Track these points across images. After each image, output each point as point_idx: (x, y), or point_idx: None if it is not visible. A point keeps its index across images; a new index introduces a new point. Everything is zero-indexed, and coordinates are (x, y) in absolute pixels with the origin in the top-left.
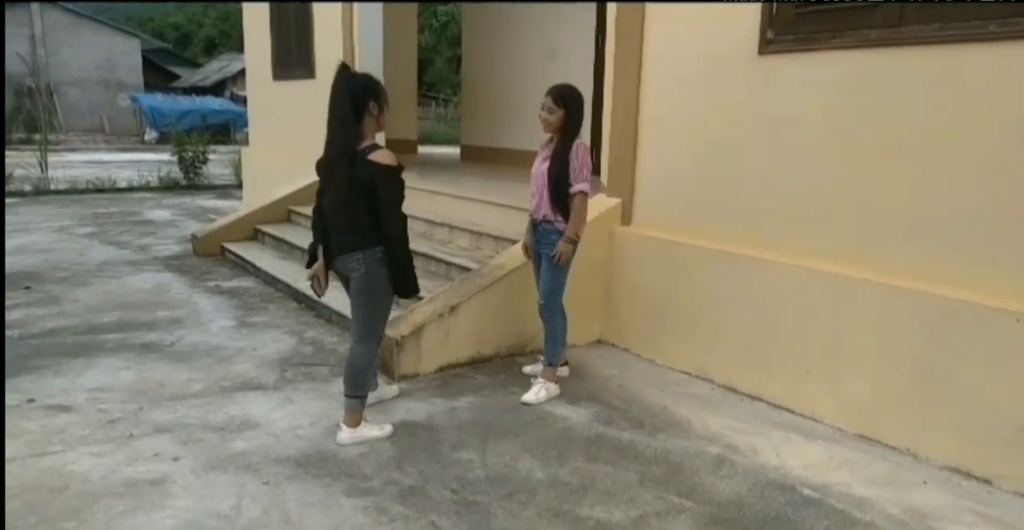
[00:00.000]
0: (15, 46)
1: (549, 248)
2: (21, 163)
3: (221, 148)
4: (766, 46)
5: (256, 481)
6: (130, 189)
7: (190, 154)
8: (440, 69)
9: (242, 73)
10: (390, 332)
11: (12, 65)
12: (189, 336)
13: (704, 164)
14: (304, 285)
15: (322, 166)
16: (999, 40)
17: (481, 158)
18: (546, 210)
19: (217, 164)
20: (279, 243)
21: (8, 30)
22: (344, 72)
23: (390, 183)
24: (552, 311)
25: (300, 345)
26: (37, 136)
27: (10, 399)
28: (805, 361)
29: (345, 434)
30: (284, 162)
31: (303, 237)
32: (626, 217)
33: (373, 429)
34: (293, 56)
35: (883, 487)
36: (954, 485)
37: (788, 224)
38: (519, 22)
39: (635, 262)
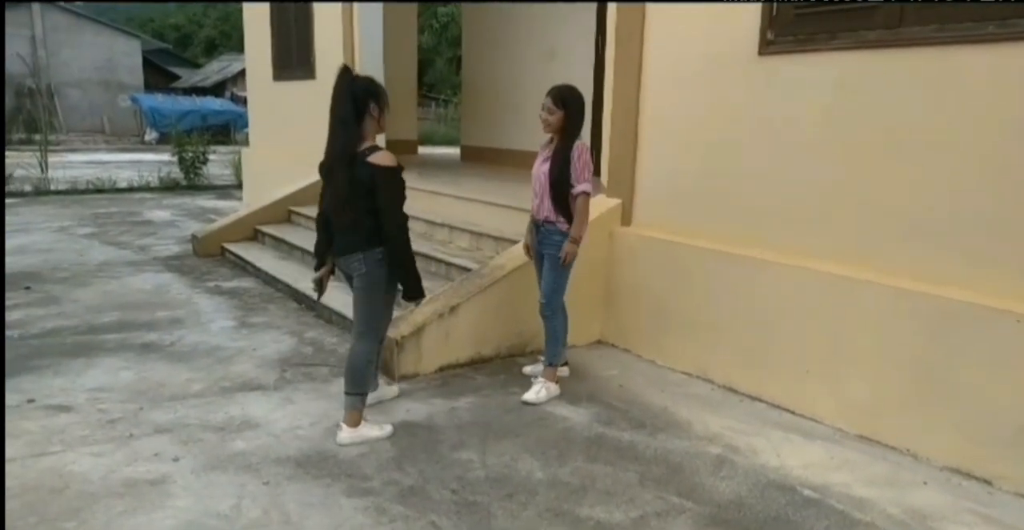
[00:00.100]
0: (16, 47)
1: (551, 248)
2: (21, 163)
3: (221, 148)
4: (766, 47)
5: (256, 481)
6: (130, 189)
7: (190, 154)
8: (440, 70)
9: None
10: (390, 333)
11: (13, 66)
12: (189, 336)
13: (704, 164)
14: (304, 285)
15: (324, 168)
16: (998, 41)
17: (481, 159)
18: (548, 210)
19: (217, 164)
20: (279, 243)
21: (9, 31)
22: (345, 74)
23: (390, 184)
24: (553, 310)
25: (300, 345)
26: (37, 137)
27: (10, 399)
28: (805, 361)
29: (345, 434)
30: (284, 162)
31: (303, 237)
32: (626, 217)
33: (373, 429)
34: (293, 57)
35: (883, 487)
36: (954, 485)
37: (788, 224)
38: (519, 23)
39: (635, 263)
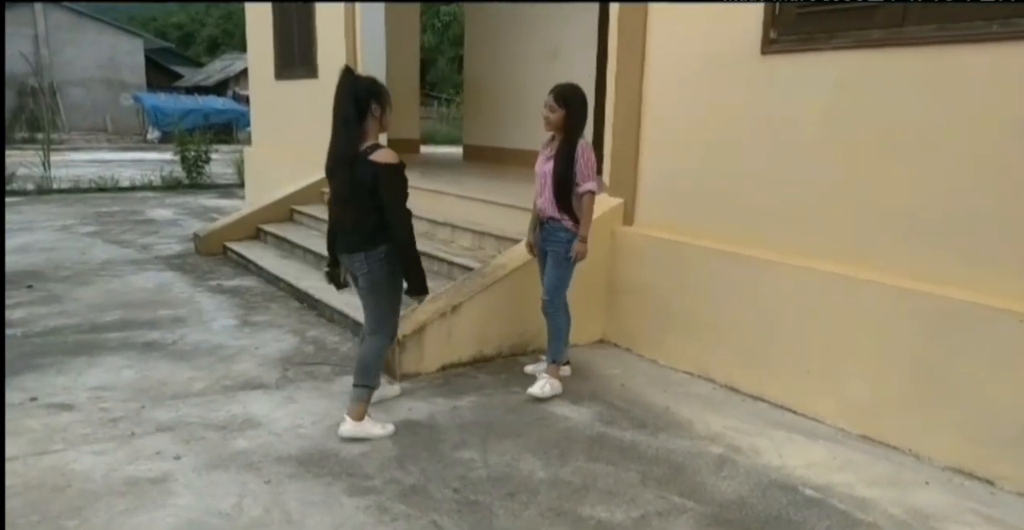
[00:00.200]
0: (19, 46)
1: (555, 245)
2: (24, 162)
3: (223, 147)
4: (768, 46)
5: (258, 480)
6: (132, 188)
7: (192, 153)
8: (442, 69)
9: (244, 73)
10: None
11: (16, 65)
12: (191, 335)
13: (706, 164)
14: (306, 284)
15: (328, 168)
16: (1001, 40)
17: (483, 158)
18: (551, 208)
19: (219, 163)
20: (281, 242)
21: (12, 30)
22: (347, 75)
23: (393, 181)
24: (556, 308)
25: (302, 344)
26: (40, 135)
27: (13, 397)
28: (806, 361)
29: (348, 426)
30: (286, 161)
31: (305, 236)
32: (628, 217)
33: (376, 426)
34: (295, 56)
35: (885, 488)
36: (956, 486)
37: (789, 224)
38: (521, 22)
39: (637, 262)
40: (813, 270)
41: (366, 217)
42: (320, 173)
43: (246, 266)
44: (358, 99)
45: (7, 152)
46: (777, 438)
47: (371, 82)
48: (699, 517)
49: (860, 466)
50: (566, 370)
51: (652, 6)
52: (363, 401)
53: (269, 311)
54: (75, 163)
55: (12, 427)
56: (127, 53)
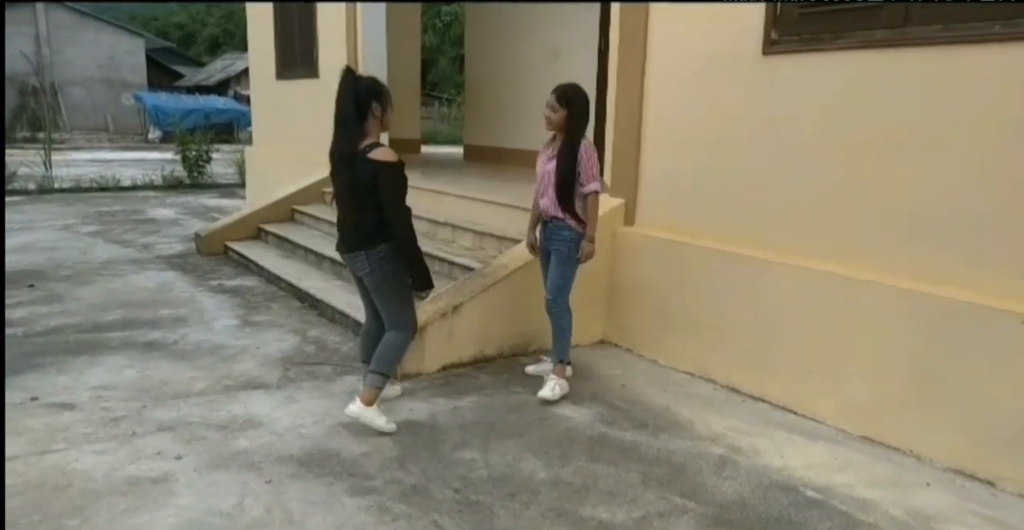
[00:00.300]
0: (20, 45)
1: (559, 244)
2: (25, 162)
3: (224, 147)
4: (770, 46)
5: (259, 480)
6: (134, 188)
7: (193, 153)
8: (443, 69)
9: (246, 72)
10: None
11: (17, 64)
12: (192, 334)
13: (707, 164)
14: (307, 284)
15: (331, 167)
16: (1004, 41)
17: (484, 158)
18: (555, 208)
19: (220, 163)
20: (282, 242)
21: (13, 29)
22: (349, 75)
23: (391, 179)
24: (560, 307)
25: (303, 344)
26: (41, 135)
27: (14, 397)
28: (807, 362)
29: (355, 407)
30: (287, 161)
31: (306, 236)
32: (629, 217)
33: (380, 418)
34: (297, 56)
35: (886, 489)
36: (957, 487)
37: (790, 224)
38: (522, 22)
39: (638, 262)
40: (814, 270)
41: (365, 216)
42: (321, 173)
43: (247, 266)
44: (359, 99)
45: (8, 151)
46: (778, 439)
47: (372, 82)
48: (700, 518)
49: (861, 467)
50: (568, 370)
51: (653, 6)
52: (375, 387)
53: (270, 311)
54: (76, 162)
55: (13, 426)
56: (128, 53)
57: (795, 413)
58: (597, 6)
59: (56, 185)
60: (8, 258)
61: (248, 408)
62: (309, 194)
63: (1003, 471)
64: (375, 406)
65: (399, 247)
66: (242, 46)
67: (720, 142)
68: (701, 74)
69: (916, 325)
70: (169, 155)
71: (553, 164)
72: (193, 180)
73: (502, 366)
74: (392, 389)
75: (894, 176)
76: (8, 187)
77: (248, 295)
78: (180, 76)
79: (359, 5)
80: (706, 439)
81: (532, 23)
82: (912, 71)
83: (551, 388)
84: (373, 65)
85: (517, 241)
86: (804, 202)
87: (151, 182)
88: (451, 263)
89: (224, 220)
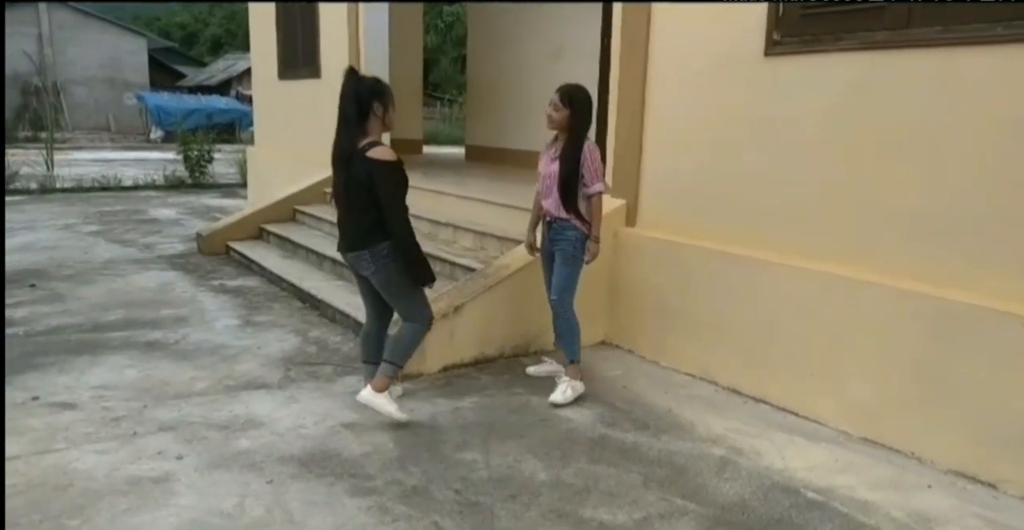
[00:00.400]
0: (22, 45)
1: (564, 244)
2: (27, 161)
3: (226, 147)
4: (772, 47)
5: (260, 480)
6: (135, 187)
7: (195, 153)
8: (445, 69)
9: (248, 72)
10: (392, 331)
11: (19, 64)
12: (193, 334)
13: (708, 165)
14: (308, 284)
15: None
16: (1006, 43)
17: (486, 158)
18: (559, 209)
19: (222, 163)
20: (284, 242)
21: (15, 29)
22: (351, 76)
23: (388, 178)
24: (566, 307)
25: (304, 344)
26: (43, 134)
27: (15, 396)
28: (807, 363)
29: (366, 393)
30: (289, 161)
31: (307, 236)
32: (631, 218)
33: (391, 405)
34: (299, 56)
35: (888, 490)
36: (959, 489)
37: (792, 225)
38: (525, 22)
39: (640, 263)
40: (814, 271)
41: (364, 214)
42: (322, 173)
43: (248, 266)
44: (360, 99)
45: (10, 151)
46: (779, 440)
47: (375, 82)
48: (701, 519)
49: (862, 469)
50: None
51: (655, 6)
52: (387, 377)
53: (271, 311)
54: (78, 162)
55: (14, 426)
56: (130, 52)
57: (796, 414)
58: (599, 6)
59: (58, 185)
60: (9, 258)
61: (249, 408)
62: (310, 194)
63: (1005, 473)
64: (386, 394)
65: (397, 246)
66: (244, 46)
67: (721, 143)
68: (703, 75)
69: (917, 326)
70: (171, 155)
71: (556, 165)
72: (195, 180)
73: (503, 367)
74: (393, 389)
75: (895, 177)
76: (10, 187)
77: (249, 295)
78: (182, 76)
79: (361, 6)
80: (707, 440)
81: (534, 24)
82: (913, 72)
83: (563, 391)
84: (375, 65)
85: (518, 242)
86: (805, 203)
87: (153, 182)
88: (452, 264)
89: (225, 220)
